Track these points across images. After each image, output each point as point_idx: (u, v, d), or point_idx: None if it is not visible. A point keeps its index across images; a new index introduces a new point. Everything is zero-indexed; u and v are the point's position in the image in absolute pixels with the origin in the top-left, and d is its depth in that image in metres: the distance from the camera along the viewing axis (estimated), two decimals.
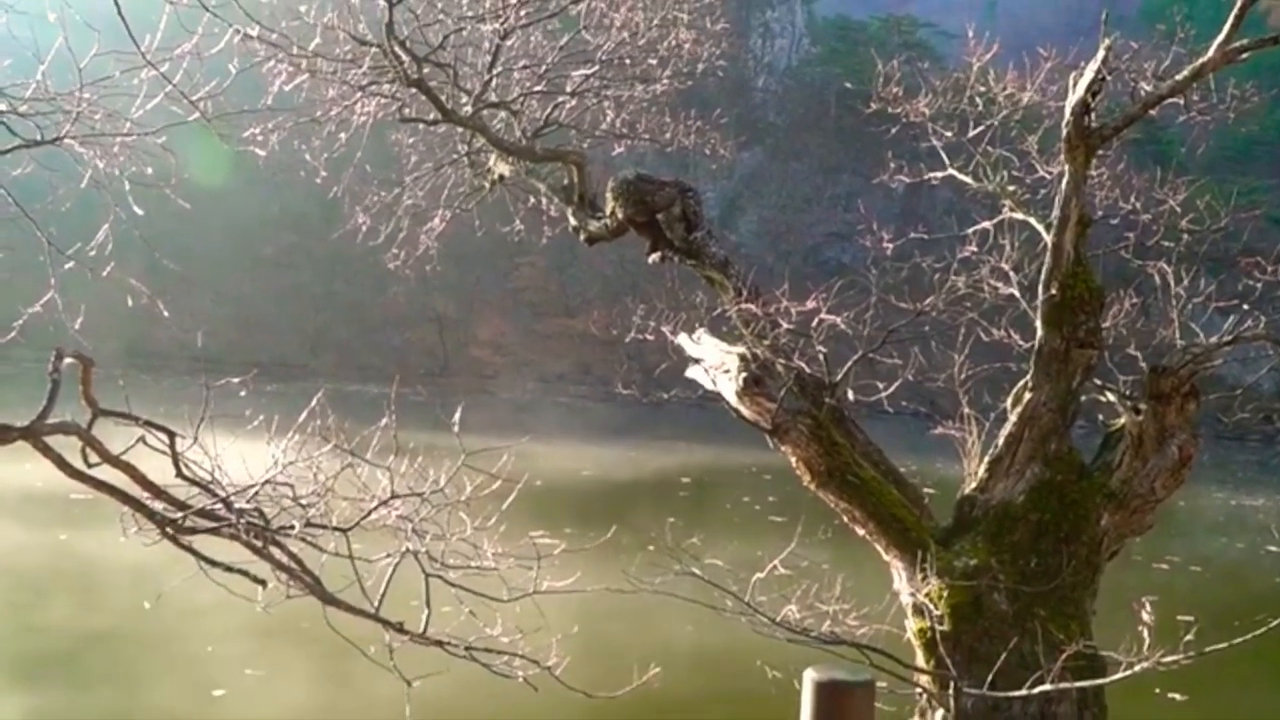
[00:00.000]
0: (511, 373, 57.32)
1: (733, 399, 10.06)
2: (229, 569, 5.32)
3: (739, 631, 8.83)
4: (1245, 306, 9.56)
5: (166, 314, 7.40)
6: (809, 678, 2.86)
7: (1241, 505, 31.96)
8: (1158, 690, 11.43)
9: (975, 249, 10.59)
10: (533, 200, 13.61)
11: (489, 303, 58.65)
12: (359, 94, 11.86)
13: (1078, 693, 8.86)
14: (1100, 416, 10.13)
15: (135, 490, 5.16)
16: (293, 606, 5.70)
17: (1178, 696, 11.77)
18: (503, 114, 12.46)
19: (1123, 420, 9.51)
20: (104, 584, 14.67)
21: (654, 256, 11.16)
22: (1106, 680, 8.30)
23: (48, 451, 4.92)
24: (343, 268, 52.75)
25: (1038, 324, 9.52)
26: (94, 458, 5.07)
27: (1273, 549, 23.15)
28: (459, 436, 6.17)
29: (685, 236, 10.82)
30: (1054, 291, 9.35)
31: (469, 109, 11.52)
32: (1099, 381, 9.70)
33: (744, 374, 9.91)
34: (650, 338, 10.99)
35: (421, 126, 12.69)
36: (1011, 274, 10.22)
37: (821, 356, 9.78)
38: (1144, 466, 9.33)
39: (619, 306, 12.06)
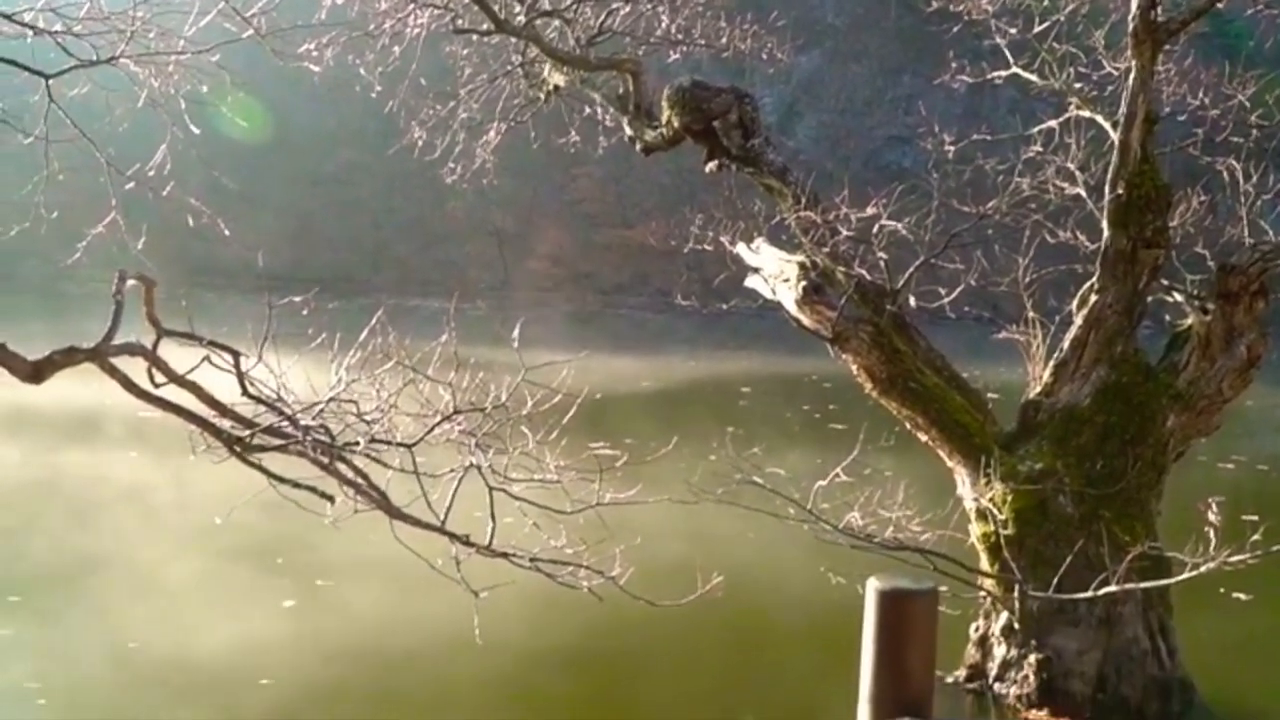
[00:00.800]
0: (570, 285, 57.28)
1: (792, 308, 10.01)
2: (297, 485, 5.41)
3: (802, 540, 8.89)
4: None
5: (228, 232, 7.43)
6: (872, 586, 2.86)
7: None
8: (1222, 590, 11.36)
9: (1040, 149, 10.39)
10: (588, 110, 13.49)
11: (546, 215, 58.49)
12: (411, 6, 11.78)
13: (1142, 593, 8.85)
14: (1167, 317, 9.98)
15: (202, 410, 5.25)
16: (360, 521, 5.79)
17: (1242, 596, 11.70)
18: (556, 23, 12.29)
19: (1190, 321, 9.36)
20: (171, 502, 14.98)
21: (711, 165, 11.05)
22: (1171, 580, 8.29)
23: (114, 372, 5.00)
24: (401, 183, 52.76)
25: (1104, 224, 9.35)
26: (160, 378, 5.16)
27: None
28: (518, 351, 6.19)
29: (742, 144, 10.69)
30: (1120, 191, 9.16)
31: (522, 18, 11.40)
32: (1166, 282, 9.54)
33: (804, 282, 9.86)
34: (709, 248, 10.94)
35: (475, 38, 12.55)
36: (1077, 174, 10.03)
37: (882, 263, 9.69)
38: (1211, 367, 9.20)
39: (677, 217, 11.98)
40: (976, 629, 9.72)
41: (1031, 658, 9.17)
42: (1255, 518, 7.08)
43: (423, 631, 10.26)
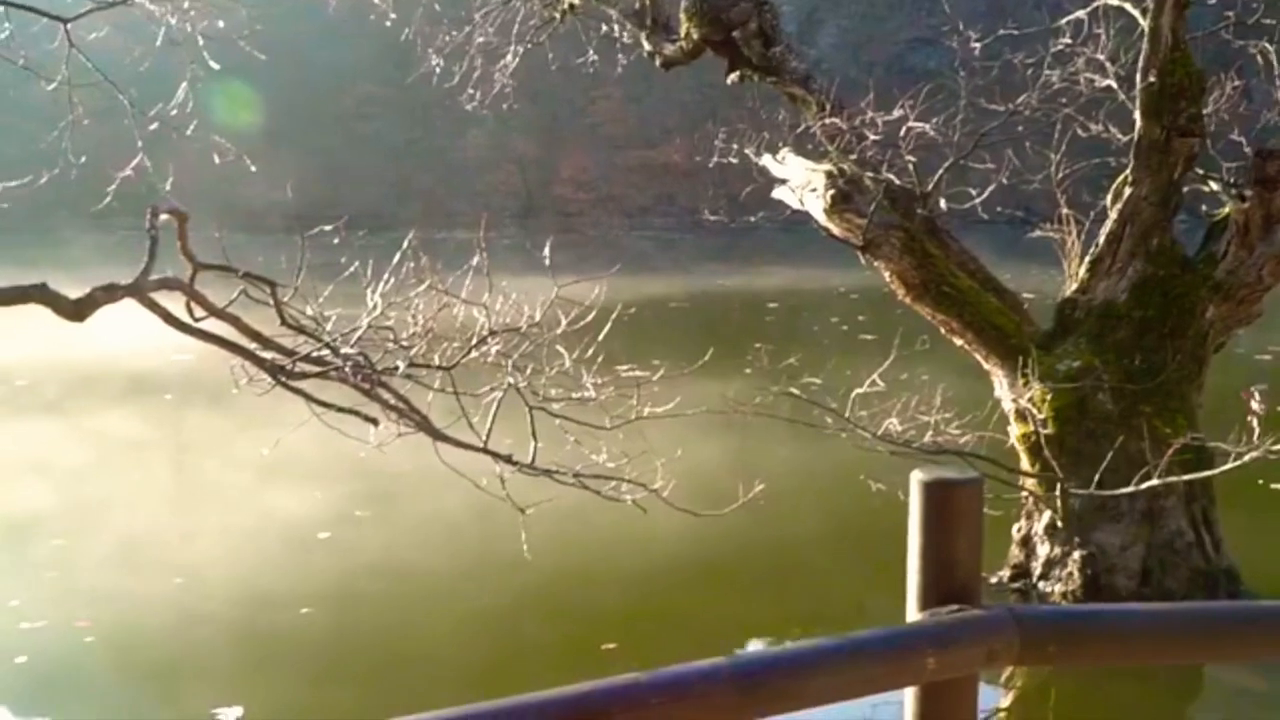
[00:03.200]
0: (596, 209, 57.18)
1: (821, 217, 9.94)
2: (341, 410, 5.45)
3: (842, 448, 8.91)
4: None
5: (254, 169, 7.43)
6: (916, 479, 2.86)
7: None
8: (1260, 481, 11.34)
9: (1069, 41, 10.18)
10: (605, 28, 13.33)
11: (568, 139, 58.19)
12: None
13: (1185, 486, 8.83)
14: (1204, 208, 9.84)
15: (243, 341, 5.28)
16: (402, 445, 5.85)
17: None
18: None
19: (1227, 209, 9.23)
20: (214, 436, 15.15)
21: (733, 76, 10.92)
22: (1213, 472, 8.27)
23: (154, 307, 5.03)
24: (421, 114, 52.56)
25: (1136, 115, 9.20)
26: (199, 311, 5.19)
27: None
28: (550, 271, 6.19)
29: (763, 53, 10.55)
30: (1152, 79, 8.99)
31: None
32: (1201, 171, 9.40)
33: (831, 191, 9.77)
34: (734, 161, 10.85)
35: None
36: (1108, 65, 9.83)
37: (911, 167, 9.59)
38: (1250, 255, 9.09)
39: (700, 133, 11.87)
40: (1019, 529, 9.74)
41: (1075, 555, 9.19)
42: None
43: (471, 550, 10.40)
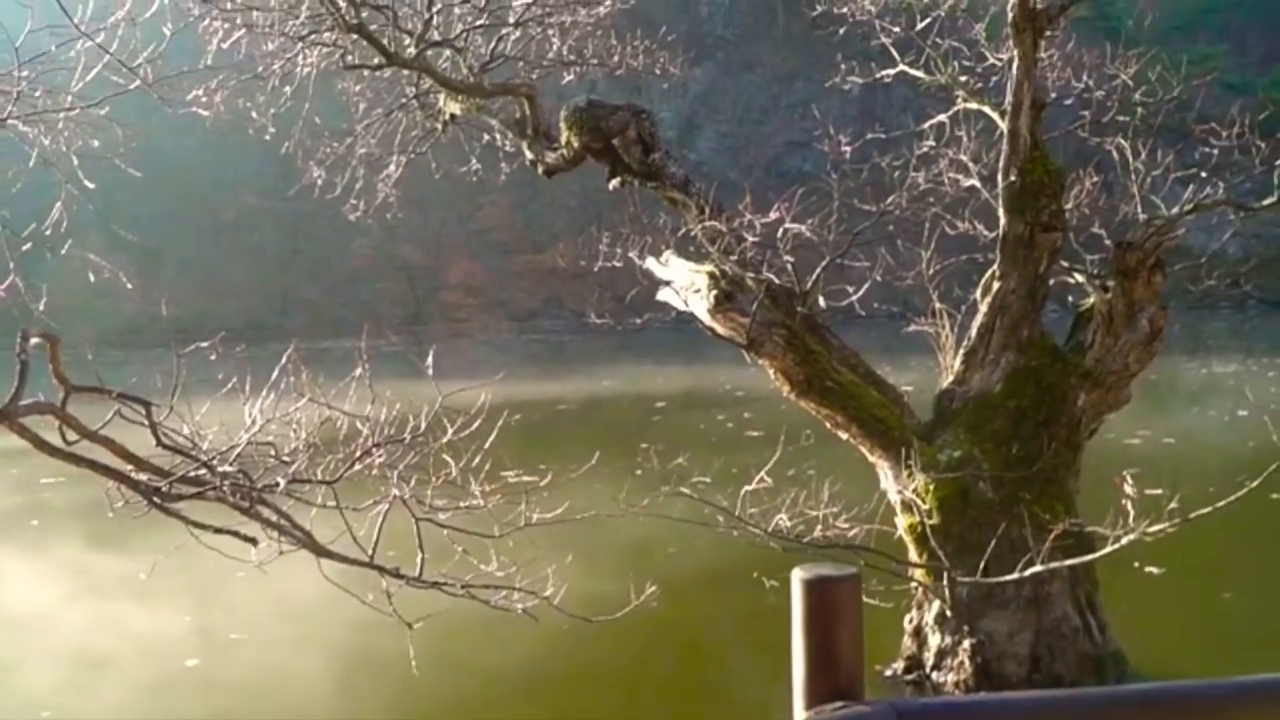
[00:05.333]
0: (485, 314, 57.22)
1: (706, 317, 10.08)
2: (219, 531, 5.34)
3: (734, 546, 8.93)
4: (1203, 175, 9.61)
5: (130, 285, 7.32)
6: (797, 577, 2.91)
7: (1213, 373, 32.28)
8: (1136, 564, 11.66)
9: (933, 144, 10.59)
10: (487, 138, 13.49)
11: (455, 246, 58.36)
12: (299, 45, 11.68)
13: (1069, 571, 9.01)
14: (1070, 298, 10.20)
15: (118, 464, 5.17)
16: (283, 563, 5.74)
17: (1155, 570, 12.02)
18: (448, 52, 12.28)
19: (1092, 299, 9.58)
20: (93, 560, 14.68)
21: (614, 182, 11.11)
22: (1093, 556, 8.46)
23: (25, 432, 4.91)
24: (305, 224, 52.34)
25: (1000, 212, 9.55)
26: (72, 435, 5.07)
27: (1243, 413, 23.49)
28: (434, 381, 6.17)
29: (643, 159, 10.77)
30: (1014, 178, 9.37)
31: (412, 50, 11.36)
32: (1066, 263, 9.76)
33: (714, 291, 9.92)
34: (619, 265, 10.97)
35: (367, 73, 12.49)
36: (971, 165, 10.24)
37: (790, 266, 9.80)
38: (1116, 343, 9.42)
39: (585, 237, 12.00)
40: (910, 620, 9.84)
41: (965, 643, 9.31)
42: (1159, 491, 7.27)
43: (356, 663, 10.16)
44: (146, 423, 5.21)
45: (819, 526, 8.61)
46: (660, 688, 10.24)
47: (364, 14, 10.95)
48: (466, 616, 6.55)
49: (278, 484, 5.33)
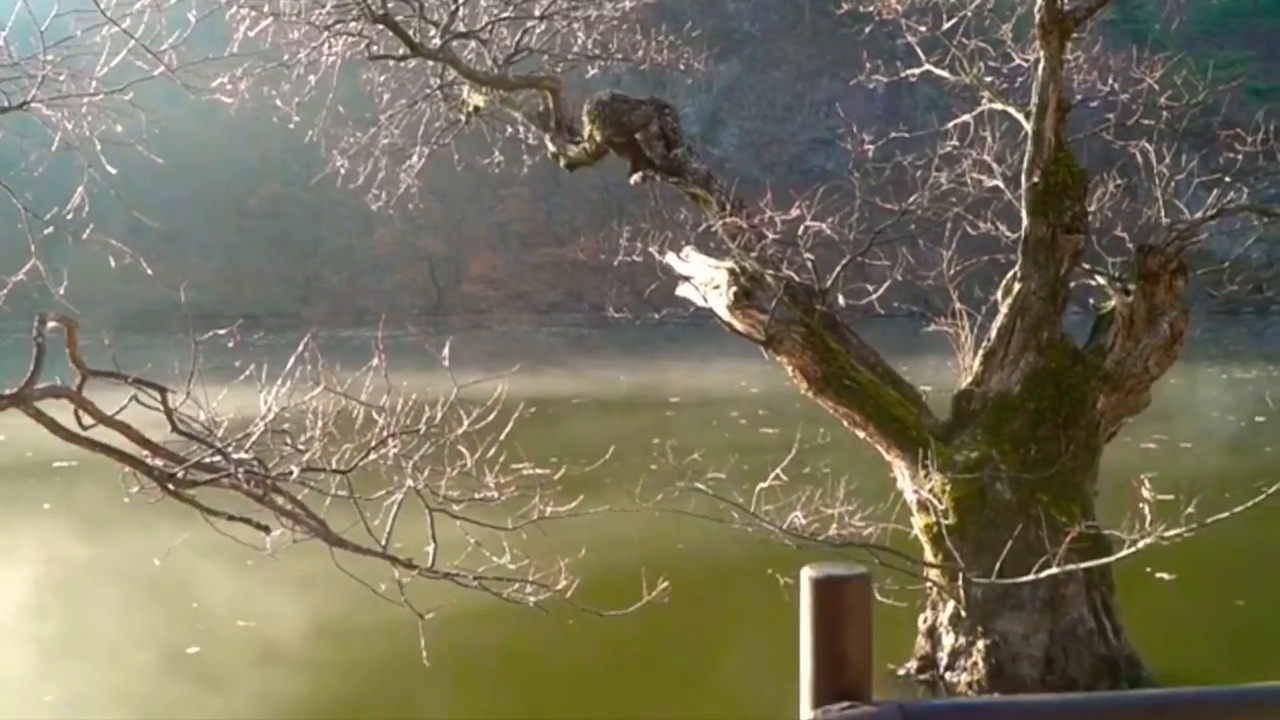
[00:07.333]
0: (505, 306, 57.30)
1: (724, 313, 10.08)
2: (232, 518, 5.36)
3: (747, 543, 8.92)
4: (1228, 180, 9.55)
5: (150, 272, 7.34)
6: (805, 576, 2.90)
7: (1234, 378, 32.10)
8: (1148, 569, 11.61)
9: (957, 143, 10.55)
10: (510, 130, 13.51)
11: (477, 238, 58.45)
12: (325, 34, 11.69)
13: (1085, 573, 8.98)
14: (1091, 301, 10.15)
15: (132, 449, 5.18)
16: (298, 551, 5.75)
17: (1166, 576, 11.97)
18: (473, 44, 12.29)
19: (1113, 302, 9.54)
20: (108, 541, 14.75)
21: (636, 177, 11.11)
22: (1110, 559, 8.41)
23: (40, 416, 4.92)
24: (328, 213, 52.49)
25: (1023, 213, 9.51)
26: (88, 420, 5.09)
27: (1261, 419, 23.35)
28: (451, 372, 6.18)
29: (665, 154, 10.77)
30: (1037, 179, 9.33)
31: (437, 41, 11.38)
32: (1088, 266, 9.72)
33: (734, 288, 9.92)
34: (639, 259, 10.97)
35: (392, 63, 12.52)
36: (994, 166, 10.20)
37: (810, 264, 9.79)
38: (1136, 346, 9.37)
39: (606, 231, 12.01)
40: (925, 620, 9.82)
41: (980, 644, 9.28)
42: (1170, 497, 7.22)
43: (370, 651, 10.19)
44: (162, 408, 5.22)
45: (834, 524, 8.60)
46: (671, 683, 10.24)
47: (390, 4, 10.98)
48: (479, 608, 6.55)
49: (291, 472, 5.34)
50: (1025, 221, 9.48)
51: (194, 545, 6.20)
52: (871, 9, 11.49)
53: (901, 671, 9.65)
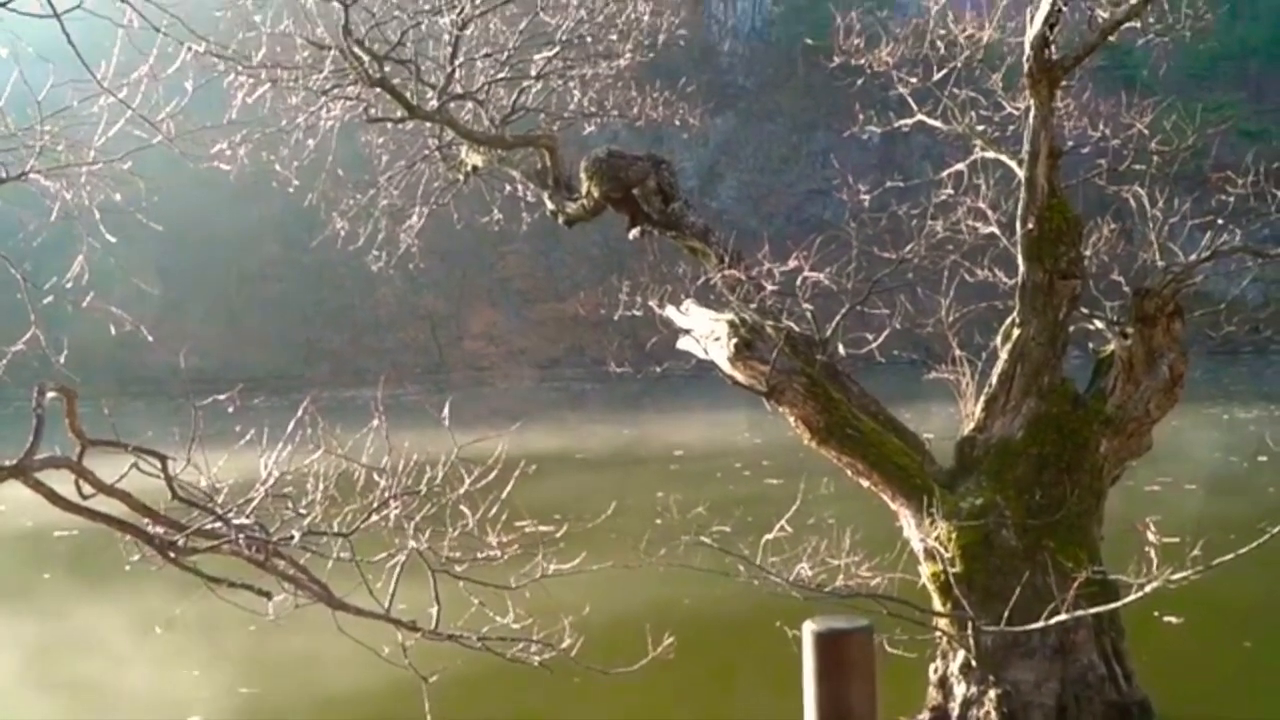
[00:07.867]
0: (507, 362, 57.40)
1: (726, 365, 10.08)
2: (233, 585, 5.34)
3: (754, 596, 8.88)
4: (1221, 221, 9.58)
5: (150, 339, 7.35)
6: (808, 630, 2.90)
7: (1235, 419, 32.06)
8: (1156, 613, 11.54)
9: (951, 192, 10.61)
10: (509, 188, 13.59)
11: (478, 295, 58.67)
12: (323, 99, 11.78)
13: (1094, 619, 8.91)
14: (1091, 345, 10.16)
15: (133, 518, 5.17)
16: (301, 615, 5.72)
17: (1174, 619, 11.91)
18: (470, 104, 12.39)
19: (1112, 346, 9.55)
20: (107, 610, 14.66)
21: (634, 232, 11.18)
22: (1118, 604, 8.36)
23: (40, 487, 4.92)
24: (329, 274, 52.73)
25: (1020, 260, 9.54)
26: (88, 489, 5.08)
27: (1263, 459, 23.30)
28: (452, 431, 6.17)
29: (663, 209, 10.84)
30: (1031, 226, 9.37)
31: (435, 103, 11.47)
32: (1085, 310, 9.73)
33: (734, 339, 9.93)
34: (639, 313, 11.00)
35: (390, 125, 12.62)
36: (989, 213, 10.25)
37: (809, 314, 9.81)
38: (1137, 389, 9.37)
39: (606, 286, 12.07)
40: (935, 670, 9.74)
41: (991, 693, 9.20)
42: (1176, 539, 7.20)
43: (375, 715, 10.10)
44: (162, 476, 5.22)
45: (841, 575, 8.56)
46: None
47: (387, 68, 11.07)
48: (484, 668, 6.50)
49: (293, 536, 5.33)
50: (1022, 267, 9.51)
51: (196, 611, 6.16)
52: (863, 62, 11.57)
53: None
